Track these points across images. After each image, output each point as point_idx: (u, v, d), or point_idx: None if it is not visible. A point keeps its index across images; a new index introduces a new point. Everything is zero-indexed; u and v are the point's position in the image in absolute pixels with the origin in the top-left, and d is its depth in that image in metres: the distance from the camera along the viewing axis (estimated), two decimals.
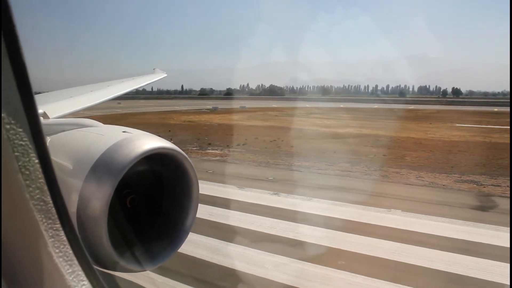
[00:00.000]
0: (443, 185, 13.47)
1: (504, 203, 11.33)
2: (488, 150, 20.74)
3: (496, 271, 6.86)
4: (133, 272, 1.66)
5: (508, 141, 24.51)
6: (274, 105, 68.05)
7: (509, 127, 33.47)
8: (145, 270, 1.76)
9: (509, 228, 8.76)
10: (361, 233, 8.54)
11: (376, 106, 67.80)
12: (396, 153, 19.66)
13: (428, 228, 8.97)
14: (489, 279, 6.62)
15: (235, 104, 70.07)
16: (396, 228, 8.91)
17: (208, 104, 65.38)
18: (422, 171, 15.61)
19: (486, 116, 46.61)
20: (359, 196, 11.67)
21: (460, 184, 13.59)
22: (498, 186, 13.32)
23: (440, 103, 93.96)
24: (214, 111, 53.73)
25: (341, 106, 67.84)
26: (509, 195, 12.22)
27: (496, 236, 8.51)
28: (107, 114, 37.67)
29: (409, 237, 8.38)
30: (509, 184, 13.52)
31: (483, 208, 10.79)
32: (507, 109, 58.91)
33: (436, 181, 13.99)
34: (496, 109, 61.21)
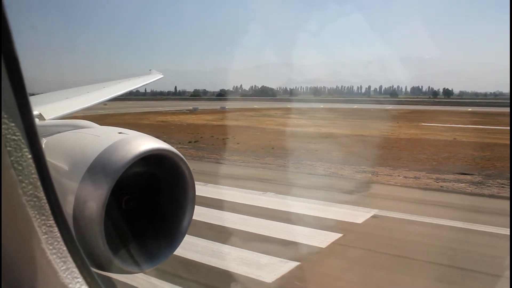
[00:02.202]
0: (341, 175, 15.25)
1: (380, 189, 13.11)
2: (421, 147, 22.38)
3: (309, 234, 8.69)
4: (130, 273, 1.69)
5: (447, 138, 26.34)
6: (255, 106, 69.88)
7: (469, 125, 35.33)
8: (142, 271, 1.79)
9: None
10: (226, 210, 10.34)
11: (355, 106, 69.63)
12: (330, 149, 21.27)
13: (285, 206, 10.75)
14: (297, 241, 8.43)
15: (223, 105, 71.95)
16: (254, 206, 10.70)
17: (197, 105, 67.29)
18: (335, 163, 17.28)
19: (458, 116, 48.58)
20: (255, 183, 13.48)
21: (357, 174, 15.35)
22: (389, 175, 15.07)
23: (425, 103, 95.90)
24: (193, 111, 55.67)
25: (321, 106, 69.69)
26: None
27: (339, 212, 10.32)
28: (87, 115, 39.16)
29: (261, 213, 10.16)
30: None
31: (352, 192, 12.55)
32: (485, 109, 60.75)
33: (339, 172, 15.75)
34: (470, 109, 63.13)
